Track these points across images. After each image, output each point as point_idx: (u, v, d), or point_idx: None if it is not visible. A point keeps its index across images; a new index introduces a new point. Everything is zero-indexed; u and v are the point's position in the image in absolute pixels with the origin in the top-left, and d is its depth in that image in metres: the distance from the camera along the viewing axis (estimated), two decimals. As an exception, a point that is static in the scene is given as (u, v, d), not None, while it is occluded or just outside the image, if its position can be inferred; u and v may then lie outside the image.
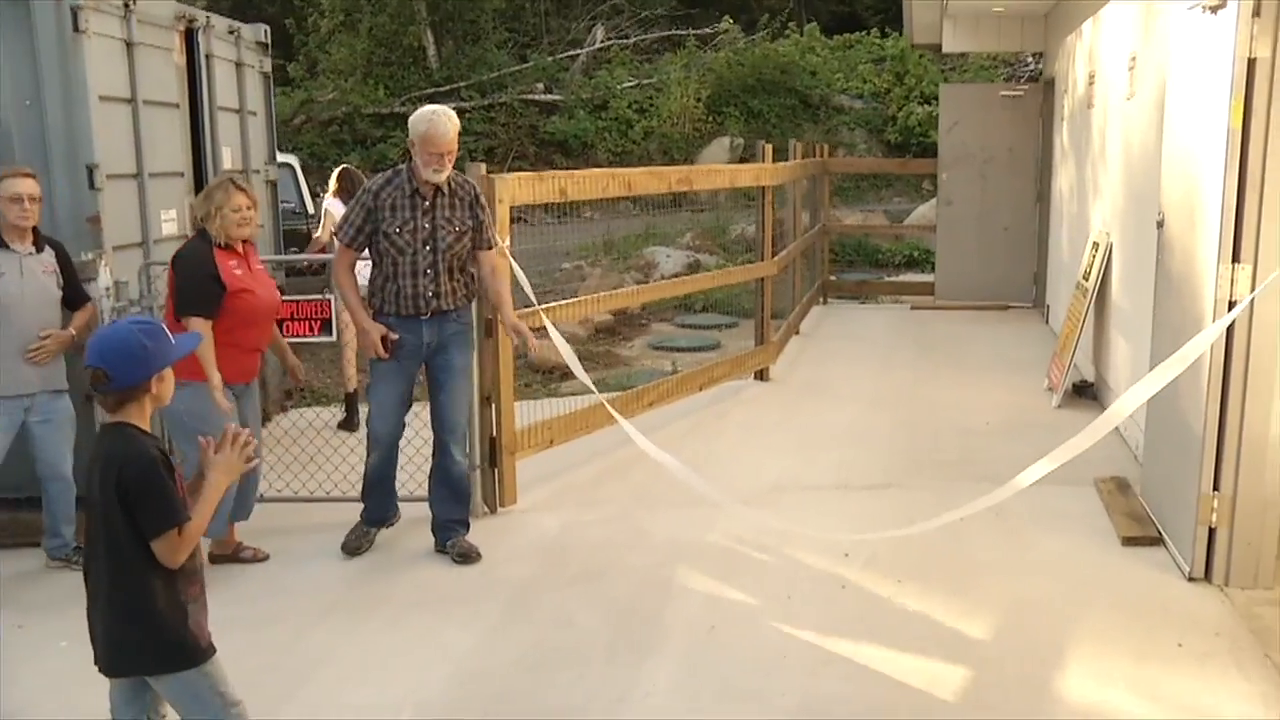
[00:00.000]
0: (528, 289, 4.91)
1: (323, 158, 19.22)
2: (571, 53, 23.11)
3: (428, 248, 4.32)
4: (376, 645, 3.81)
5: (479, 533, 4.69)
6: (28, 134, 4.82)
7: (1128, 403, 3.53)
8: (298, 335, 5.15)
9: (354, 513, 4.98)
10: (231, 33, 6.51)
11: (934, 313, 10.49)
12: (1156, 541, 4.49)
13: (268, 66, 7.13)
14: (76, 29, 4.79)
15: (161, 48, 5.69)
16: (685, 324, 10.73)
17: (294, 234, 9.10)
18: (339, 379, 8.52)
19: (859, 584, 4.20)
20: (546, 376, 8.26)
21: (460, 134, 4.42)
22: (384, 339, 4.32)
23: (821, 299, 11.27)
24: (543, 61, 22.46)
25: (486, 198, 4.62)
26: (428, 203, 4.32)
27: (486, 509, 5.05)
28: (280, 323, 4.82)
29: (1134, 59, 6.13)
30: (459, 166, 4.49)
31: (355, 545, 4.62)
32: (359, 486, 5.10)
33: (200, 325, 4.15)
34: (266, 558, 4.59)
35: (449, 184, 4.38)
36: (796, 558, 4.42)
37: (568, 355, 4.73)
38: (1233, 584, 4.03)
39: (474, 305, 4.76)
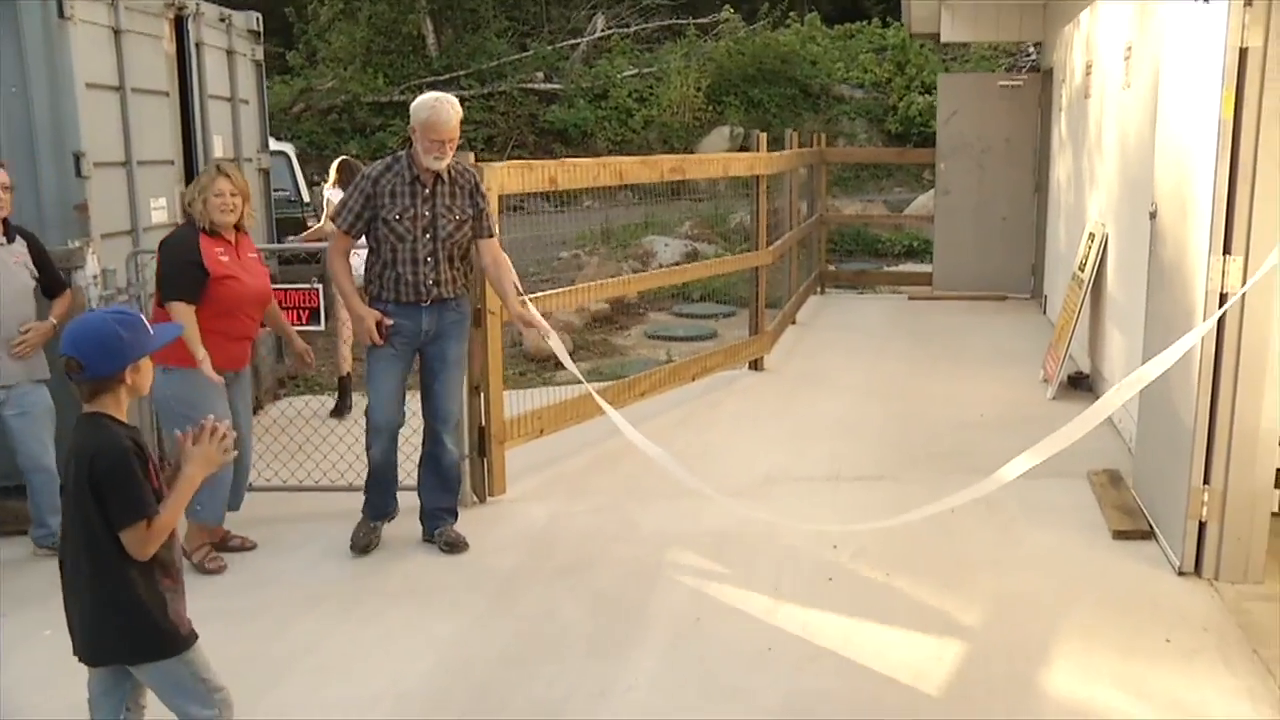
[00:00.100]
0: (514, 278, 4.84)
1: (322, 146, 19.18)
2: (572, 41, 23.00)
3: (427, 235, 4.27)
4: (360, 636, 3.79)
5: (467, 522, 4.67)
6: (14, 121, 4.78)
7: (1115, 397, 3.50)
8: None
9: (345, 502, 4.96)
10: (222, 20, 6.46)
11: (931, 303, 10.45)
12: (1148, 535, 4.45)
13: (260, 54, 7.08)
14: (62, 15, 4.74)
15: (150, 35, 5.64)
16: (682, 313, 10.68)
17: (289, 222, 9.10)
18: (332, 365, 8.53)
19: (847, 577, 4.16)
20: (541, 365, 8.23)
21: (461, 122, 4.36)
22: (379, 324, 4.26)
23: (819, 289, 11.23)
24: (543, 50, 22.36)
25: (475, 186, 4.57)
26: (427, 190, 4.27)
27: (475, 498, 5.02)
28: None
29: (1129, 49, 6.07)
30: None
31: (365, 542, 4.52)
32: (348, 476, 5.15)
33: (182, 310, 4.12)
34: (254, 546, 4.56)
35: (449, 172, 4.33)
36: (785, 550, 4.38)
37: (555, 345, 4.67)
38: (1222, 579, 3.99)
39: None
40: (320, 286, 5.18)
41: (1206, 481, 3.96)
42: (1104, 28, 7.09)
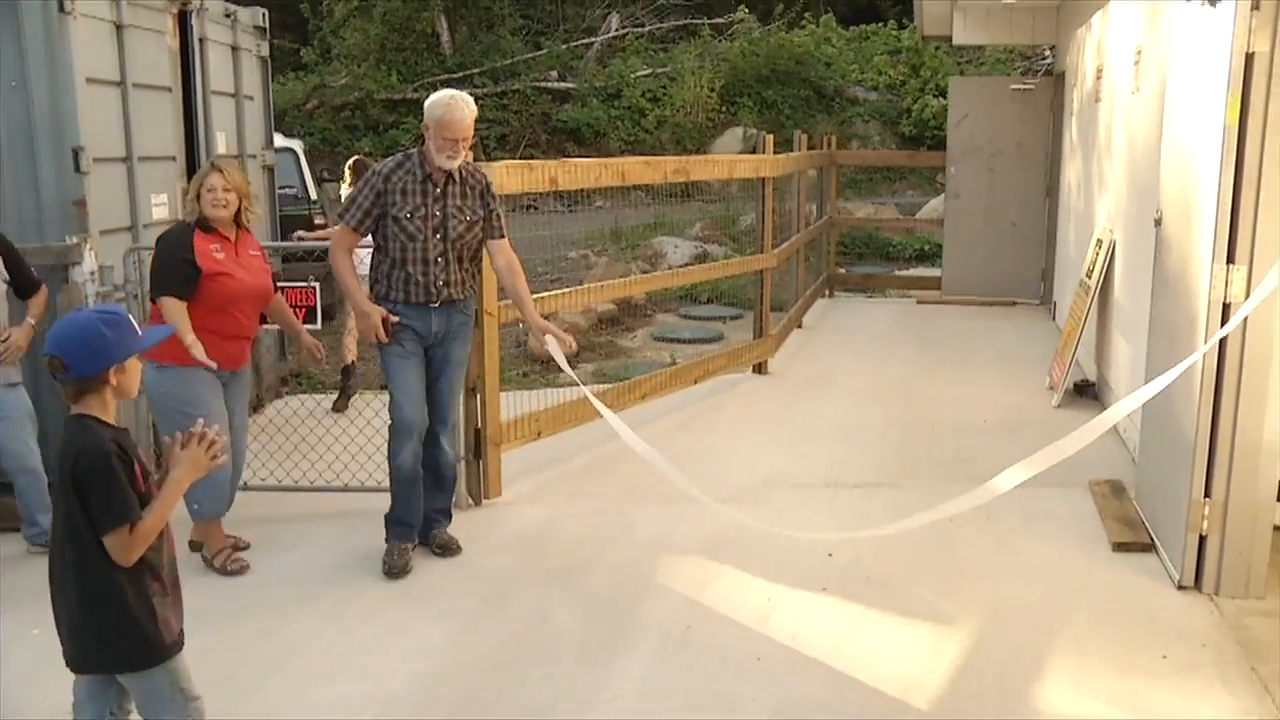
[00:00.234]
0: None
1: (335, 143, 19.21)
2: (586, 40, 22.97)
3: (438, 235, 4.21)
4: (349, 639, 3.76)
5: (461, 525, 4.64)
6: (13, 117, 4.77)
7: (1114, 413, 3.44)
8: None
9: (340, 503, 4.99)
10: (227, 15, 6.44)
11: (940, 307, 10.39)
12: (1148, 548, 4.38)
13: (265, 50, 7.06)
14: (63, 10, 4.73)
15: (153, 30, 5.63)
16: (689, 315, 10.64)
17: (296, 219, 9.05)
18: (337, 360, 8.52)
19: (841, 586, 4.11)
20: (545, 366, 8.19)
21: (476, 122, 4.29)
22: (384, 321, 4.18)
23: (827, 292, 11.18)
24: (557, 49, 22.33)
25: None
26: (439, 189, 4.21)
27: (471, 500, 4.99)
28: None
29: (1139, 53, 5.99)
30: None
31: (400, 564, 4.26)
32: (343, 476, 5.13)
33: (173, 304, 4.09)
34: (247, 546, 4.53)
35: (460, 172, 4.26)
36: (780, 557, 4.33)
37: (552, 348, 4.61)
38: (1223, 593, 3.92)
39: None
40: (317, 285, 5.15)
41: (1207, 494, 3.89)
42: (1115, 31, 7.01)
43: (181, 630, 2.61)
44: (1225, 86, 3.61)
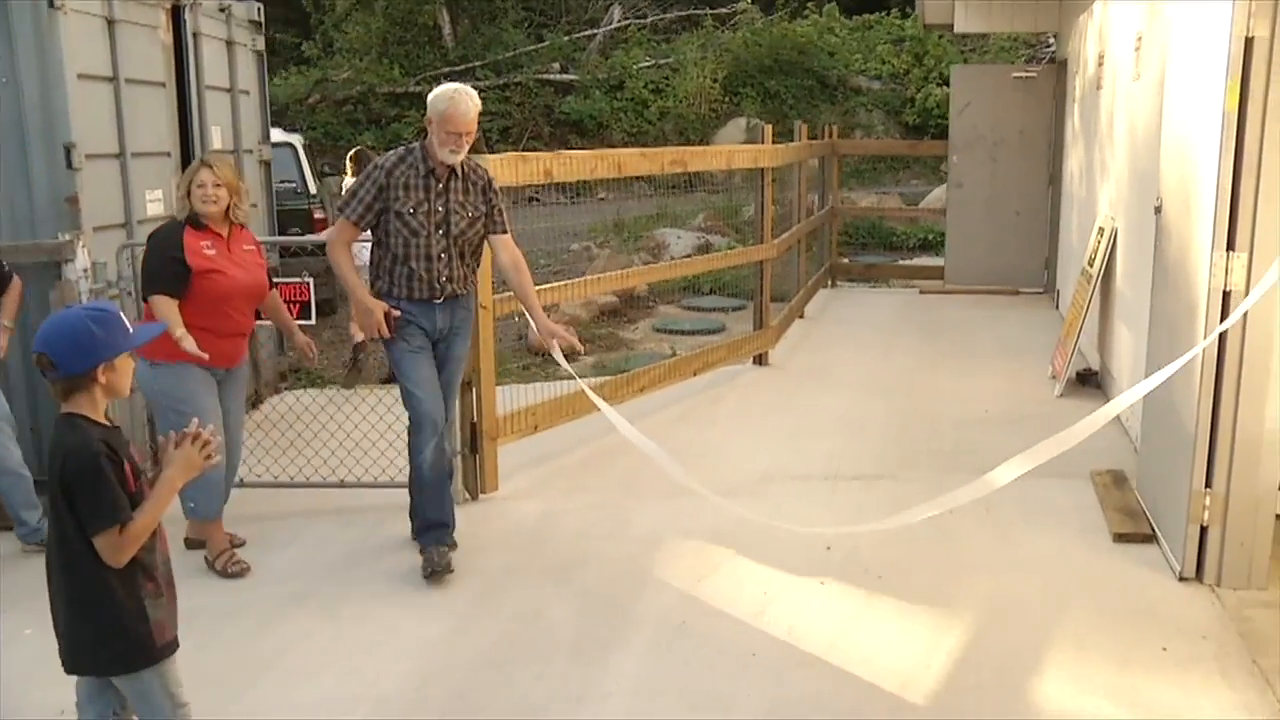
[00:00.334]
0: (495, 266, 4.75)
1: (337, 137, 19.17)
2: (588, 32, 22.88)
3: (440, 231, 4.14)
4: (341, 638, 3.72)
5: (457, 520, 4.51)
6: (4, 112, 4.74)
7: (1117, 403, 3.39)
8: None
9: (337, 499, 4.96)
10: (221, 10, 6.40)
11: (942, 297, 10.32)
12: (1149, 539, 4.32)
13: (261, 45, 7.02)
14: (53, 5, 4.69)
15: (146, 25, 5.59)
16: (691, 306, 10.61)
17: (296, 214, 9.05)
18: (335, 354, 8.53)
19: (838, 580, 4.07)
20: (546, 359, 8.15)
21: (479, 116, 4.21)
22: (386, 316, 4.11)
23: (829, 282, 11.11)
24: (559, 41, 22.25)
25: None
26: (441, 185, 4.13)
27: (466, 495, 4.95)
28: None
29: (1140, 39, 5.91)
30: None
31: (445, 564, 4.12)
32: (339, 472, 5.09)
33: (163, 302, 4.04)
34: (242, 544, 4.49)
35: (463, 167, 4.19)
36: (777, 551, 4.29)
37: (554, 351, 4.56)
38: (1224, 585, 3.87)
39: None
40: (311, 280, 5.10)
41: (1208, 485, 3.83)
42: (1116, 17, 6.93)
43: (176, 632, 2.57)
44: (1225, 72, 3.54)
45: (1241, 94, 3.50)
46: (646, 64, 21.58)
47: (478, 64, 21.18)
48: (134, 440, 4.83)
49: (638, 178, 11.61)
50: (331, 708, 3.29)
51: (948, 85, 19.60)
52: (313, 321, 5.13)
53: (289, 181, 9.14)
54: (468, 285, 4.32)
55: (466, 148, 4.12)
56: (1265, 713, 3.14)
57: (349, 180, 7.71)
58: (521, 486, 5.14)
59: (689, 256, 11.69)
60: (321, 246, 8.29)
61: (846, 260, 12.05)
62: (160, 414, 4.24)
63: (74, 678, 2.57)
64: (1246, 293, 3.58)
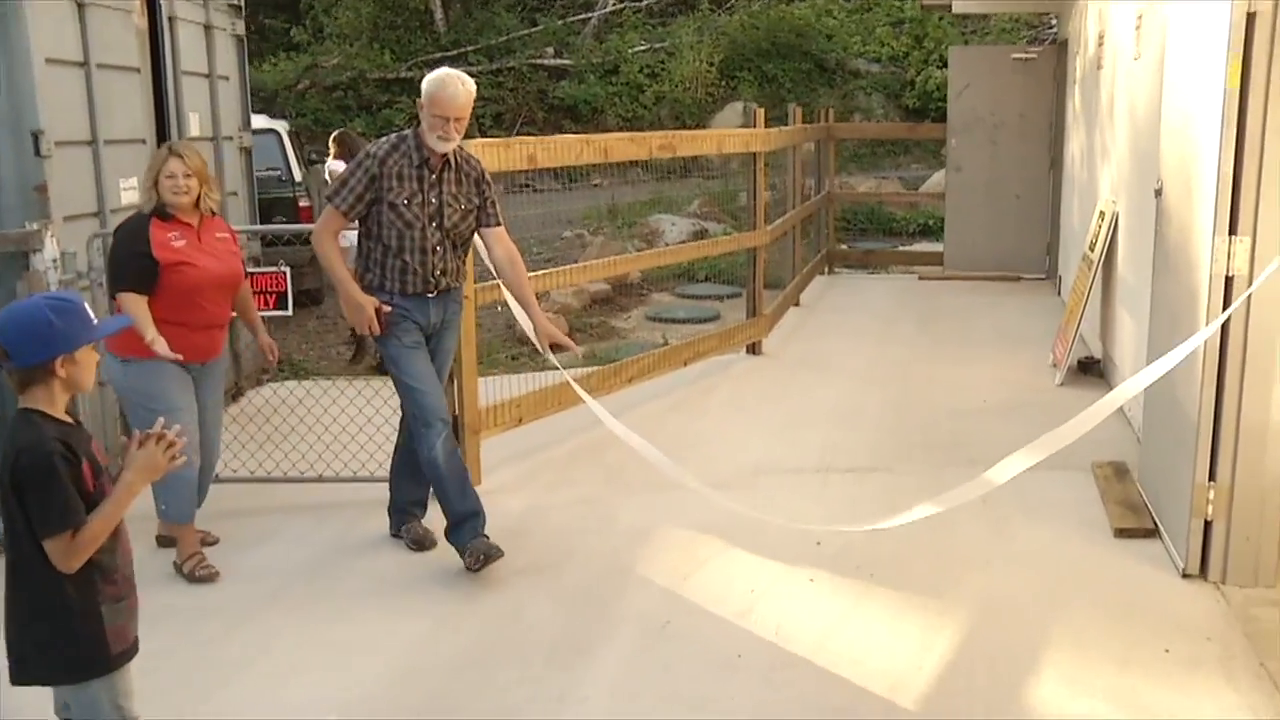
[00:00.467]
0: (487, 261, 4.66)
1: (327, 123, 18.96)
2: (582, 16, 22.69)
3: (434, 224, 4.03)
4: (314, 639, 3.64)
5: (437, 517, 4.42)
6: (-31, 99, 4.62)
7: (1117, 395, 3.29)
8: None
9: (317, 494, 4.91)
10: (199, -7, 6.28)
11: (941, 284, 10.26)
12: (1151, 534, 4.23)
13: (240, 29, 6.90)
14: (18, -12, 4.57)
15: (119, 9, 5.47)
16: (685, 294, 10.57)
17: (280, 202, 8.99)
18: (323, 345, 8.46)
19: (828, 577, 3.99)
20: (535, 348, 8.06)
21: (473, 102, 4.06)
22: (378, 312, 4.00)
23: (826, 269, 11.06)
24: (553, 25, 22.08)
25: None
26: (434, 176, 4.02)
27: None
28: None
29: (1140, 17, 5.80)
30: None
31: (494, 549, 4.03)
32: (317, 467, 5.02)
33: (131, 300, 3.94)
34: (215, 542, 4.41)
35: (455, 158, 4.08)
36: (766, 547, 4.21)
37: (527, 327, 4.47)
38: (1230, 582, 3.77)
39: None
40: (287, 270, 5.00)
41: (1212, 478, 3.74)
42: (1117, -5, 6.81)
43: (136, 639, 2.47)
44: (1226, 48, 3.42)
45: (1243, 71, 3.38)
46: (641, 48, 21.41)
47: (470, 49, 21.01)
48: (105, 438, 4.76)
49: (633, 163, 11.51)
50: (304, 710, 3.21)
51: (948, 67, 19.58)
52: (289, 312, 5.08)
53: (274, 169, 9.08)
54: (459, 278, 4.24)
55: (457, 136, 4.00)
56: (1272, 716, 3.04)
57: (331, 162, 7.63)
58: (505, 481, 5.05)
59: (684, 244, 11.63)
60: (306, 236, 8.26)
61: (844, 246, 11.97)
62: (131, 412, 4.13)
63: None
64: (1250, 278, 3.47)
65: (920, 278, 10.60)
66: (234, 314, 4.40)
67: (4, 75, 4.61)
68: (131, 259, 3.97)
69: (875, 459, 5.29)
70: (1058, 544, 4.23)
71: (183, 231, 4.08)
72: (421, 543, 4.36)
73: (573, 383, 4.45)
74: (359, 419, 5.22)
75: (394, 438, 4.56)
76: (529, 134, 17.88)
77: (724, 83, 20.68)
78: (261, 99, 17.91)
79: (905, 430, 5.73)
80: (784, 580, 3.97)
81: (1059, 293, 9.40)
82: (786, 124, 8.88)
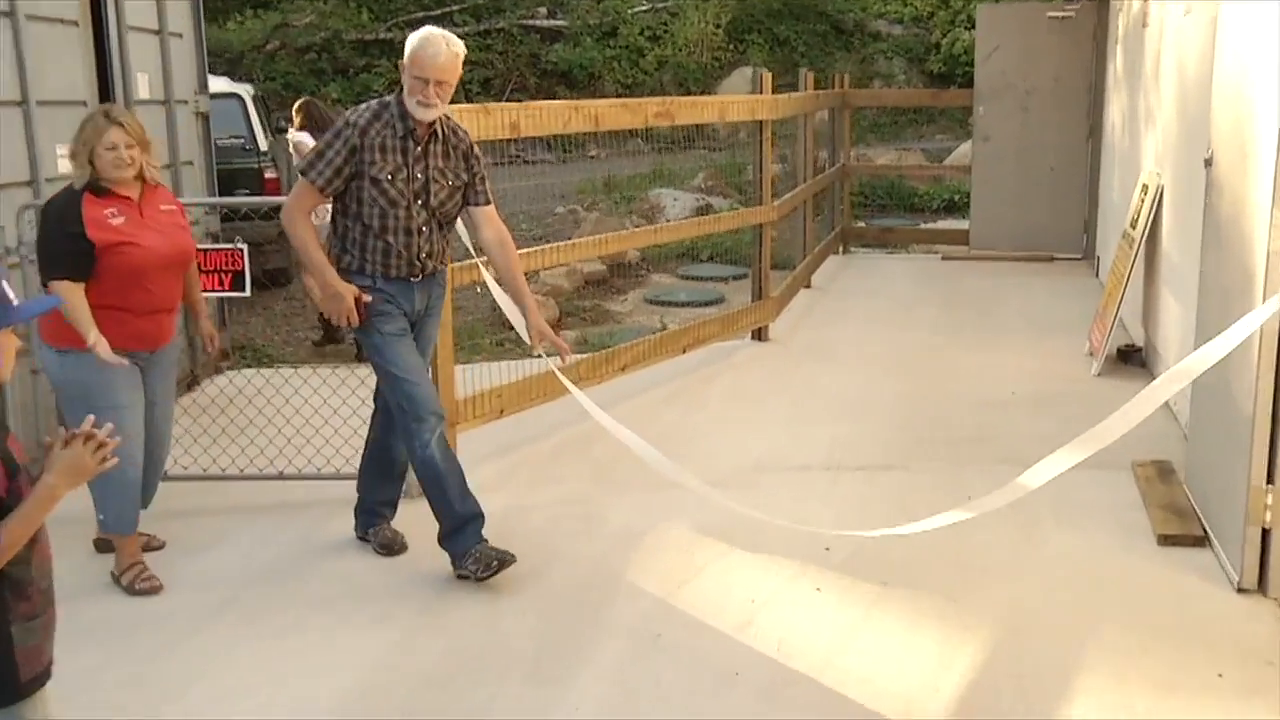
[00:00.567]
0: (466, 240, 4.57)
1: (299, 88, 18.84)
2: (579, -28, 22.54)
3: (420, 202, 3.94)
4: (267, 653, 3.57)
5: (408, 518, 4.44)
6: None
7: (1164, 387, 3.19)
8: (205, 290, 4.75)
9: (276, 493, 4.86)
10: (147, -59, 6.16)
11: (967, 264, 10.27)
12: (1201, 542, 4.14)
13: (196, -20, 6.78)
14: (-67, -71, 4.46)
15: (55, -44, 5.36)
16: (688, 275, 10.60)
17: (243, 173, 8.93)
18: (289, 329, 8.39)
19: (837, 586, 3.92)
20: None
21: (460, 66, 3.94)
22: (358, 301, 3.90)
23: (840, 248, 11.06)
24: (546, -18, 21.95)
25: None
26: (420, 148, 3.92)
27: (420, 490, 4.75)
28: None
29: (1191, -34, 5.69)
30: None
31: (506, 555, 3.94)
32: (278, 463, 4.98)
33: (67, 289, 3.78)
34: (161, 546, 4.34)
35: (443, 129, 3.98)
36: (768, 553, 4.16)
37: (511, 315, 4.41)
38: (1290, 597, 3.68)
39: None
40: (244, 247, 4.90)
41: (1270, 480, 3.64)
42: (1164, -56, 6.71)
43: (50, 660, 2.36)
44: (1288, -4, 3.31)
45: (1308, 22, 3.27)
46: (643, 8, 21.27)
47: (456, 8, 20.87)
48: (38, 434, 4.65)
49: (632, 134, 11.44)
50: (248, 736, 3.13)
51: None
52: (246, 293, 4.96)
53: (237, 137, 9.03)
54: (445, 260, 4.18)
55: (440, 102, 3.88)
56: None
57: (295, 134, 7.56)
58: (484, 478, 4.93)
59: (685, 220, 11.59)
60: (271, 210, 8.19)
61: (861, 224, 11.94)
62: (68, 407, 4.00)
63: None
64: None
65: (944, 258, 10.57)
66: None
67: (-77, 28, 4.51)
68: (64, 242, 3.83)
69: (890, 456, 5.24)
70: (1094, 551, 4.16)
71: (121, 207, 3.93)
72: (390, 546, 4.30)
73: (557, 371, 4.37)
74: (324, 410, 5.16)
75: (363, 431, 4.51)
76: (520, 100, 17.74)
77: (732, 46, 20.57)
78: (225, 60, 17.80)
79: (924, 424, 5.68)
80: (788, 589, 3.92)
81: (1097, 274, 9.37)
82: (798, 90, 8.79)
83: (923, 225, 12.93)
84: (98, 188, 3.91)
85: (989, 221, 10.45)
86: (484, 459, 5.10)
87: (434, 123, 3.93)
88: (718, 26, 20.44)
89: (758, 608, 3.77)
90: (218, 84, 8.26)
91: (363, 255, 3.96)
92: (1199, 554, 4.09)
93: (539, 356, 4.27)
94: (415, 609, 3.84)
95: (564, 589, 3.96)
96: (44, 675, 2.31)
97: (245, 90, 9.69)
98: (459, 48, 3.90)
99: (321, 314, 7.80)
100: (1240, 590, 3.77)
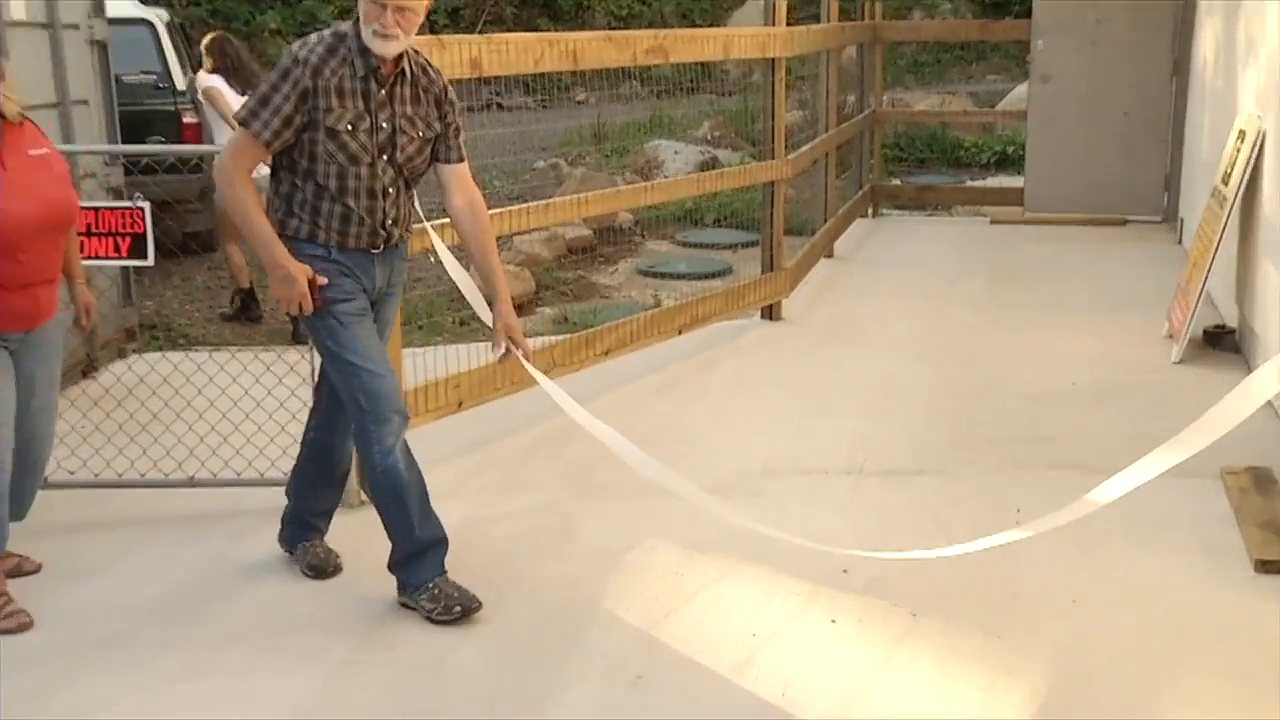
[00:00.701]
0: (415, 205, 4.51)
1: (230, 17, 18.89)
2: (564, -118, 22.49)
3: (384, 157, 3.87)
4: (158, 701, 3.52)
5: (345, 532, 4.45)
6: None
7: (1269, 378, 3.09)
8: (97, 257, 4.78)
9: (190, 503, 4.87)
10: None
11: (1021, 229, 10.39)
12: (1309, 569, 4.13)
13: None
14: None
15: None
16: (689, 242, 10.77)
17: (157, 118, 8.98)
18: (213, 304, 8.37)
19: (856, 616, 3.90)
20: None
21: None
22: (312, 284, 3.81)
23: (869, 210, 11.17)
24: (527, -107, 21.92)
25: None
26: (384, 92, 3.83)
27: (361, 497, 4.80)
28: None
29: None
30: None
31: (471, 599, 3.94)
32: (188, 466, 4.97)
33: None
34: (36, 569, 4.29)
35: (411, 67, 3.90)
36: (774, 575, 4.16)
37: (468, 291, 4.39)
38: None
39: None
40: (147, 205, 4.83)
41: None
42: None
43: None
44: None
45: None
46: (641, -76, 21.24)
47: (420, -78, 20.77)
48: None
49: (626, 75, 11.39)
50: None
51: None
52: (149, 261, 4.95)
53: (148, 73, 9.07)
54: (410, 228, 4.14)
55: (400, 34, 3.77)
56: None
57: (205, 78, 7.51)
58: (438, 484, 4.85)
59: (684, 177, 11.70)
60: (190, 162, 8.06)
61: (895, 181, 12.02)
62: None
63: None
64: None
65: (993, 221, 10.64)
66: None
67: None
68: None
69: (922, 458, 5.28)
70: (1172, 578, 4.13)
71: None
72: (321, 569, 4.28)
73: (525, 362, 4.27)
74: (246, 402, 5.17)
75: (293, 428, 4.53)
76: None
77: (745, -30, 20.57)
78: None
79: (964, 421, 5.73)
80: (797, 621, 3.91)
81: (1180, 240, 9.45)
82: (819, 21, 8.80)
83: (969, 183, 13.16)
84: None
85: (1048, 178, 10.47)
86: (438, 461, 5.04)
87: (400, 59, 3.85)
88: (728, -54, 20.43)
89: (760, 644, 3.76)
90: (121, 7, 8.28)
91: (315, 221, 3.87)
92: (1304, 584, 4.09)
93: (504, 354, 4.17)
94: (349, 644, 3.82)
95: (528, 620, 3.95)
96: None
97: (158, 16, 9.72)
98: None
99: (240, 289, 7.79)
100: (1353, 630, 3.76)
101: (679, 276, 9.34)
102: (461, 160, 4.09)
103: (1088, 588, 4.07)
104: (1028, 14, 10.82)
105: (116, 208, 4.90)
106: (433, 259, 4.93)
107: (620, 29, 19.10)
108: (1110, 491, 3.31)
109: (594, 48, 6.00)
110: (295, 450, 4.72)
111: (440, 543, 4.03)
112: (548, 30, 19.09)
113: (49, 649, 3.80)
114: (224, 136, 7.61)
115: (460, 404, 5.25)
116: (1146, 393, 5.89)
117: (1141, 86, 10.20)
